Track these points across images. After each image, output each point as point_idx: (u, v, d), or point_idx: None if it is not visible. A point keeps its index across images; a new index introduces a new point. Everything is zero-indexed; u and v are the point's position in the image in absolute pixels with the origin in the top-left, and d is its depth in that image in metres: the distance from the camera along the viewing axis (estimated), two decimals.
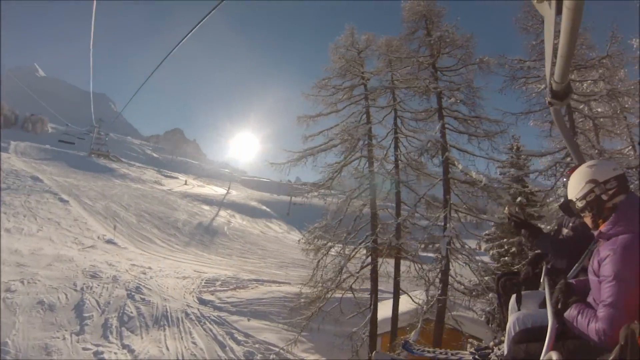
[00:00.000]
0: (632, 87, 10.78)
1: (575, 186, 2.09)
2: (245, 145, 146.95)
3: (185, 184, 58.75)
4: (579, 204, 2.08)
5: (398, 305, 13.14)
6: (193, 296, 16.26)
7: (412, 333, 11.46)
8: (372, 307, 12.82)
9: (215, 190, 57.95)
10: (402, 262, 13.64)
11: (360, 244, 13.71)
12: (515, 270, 4.48)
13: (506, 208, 3.51)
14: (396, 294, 13.19)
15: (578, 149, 3.66)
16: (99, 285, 15.34)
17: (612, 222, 1.96)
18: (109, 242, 24.39)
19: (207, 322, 13.84)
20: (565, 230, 3.36)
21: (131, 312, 13.56)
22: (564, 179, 3.69)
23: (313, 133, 15.09)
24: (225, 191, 57.00)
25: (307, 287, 13.80)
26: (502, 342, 3.74)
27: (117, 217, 30.51)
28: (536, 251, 3.47)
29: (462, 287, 12.29)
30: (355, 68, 14.71)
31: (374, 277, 13.11)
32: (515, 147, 14.51)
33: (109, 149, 45.38)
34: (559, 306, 2.03)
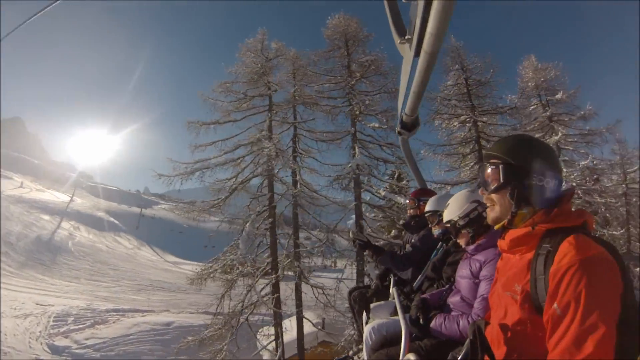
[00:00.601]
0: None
1: (459, 206, 2.41)
2: (95, 147, 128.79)
3: (21, 186, 50.14)
4: (461, 222, 2.38)
5: (302, 329, 12.48)
6: (42, 343, 12.41)
7: None
8: (279, 340, 11.90)
9: (56, 196, 50.54)
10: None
11: (261, 271, 12.52)
12: (366, 284, 4.84)
13: (350, 232, 3.93)
14: (299, 319, 12.44)
15: (420, 175, 4.39)
16: None
17: (491, 235, 2.25)
18: None
19: None
20: (407, 246, 3.70)
21: None
22: (406, 200, 4.32)
23: (205, 143, 13.51)
24: (69, 198, 49.82)
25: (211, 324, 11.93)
26: (360, 350, 4.14)
27: None
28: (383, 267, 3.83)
29: None
30: (264, 76, 13.69)
31: (277, 309, 12.08)
32: (397, 175, 15.62)
33: None
34: (421, 322, 2.21)
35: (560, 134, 13.57)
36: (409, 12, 1.66)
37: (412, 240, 3.65)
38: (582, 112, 14.09)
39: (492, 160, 1.48)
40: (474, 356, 1.30)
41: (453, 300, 2.36)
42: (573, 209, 1.44)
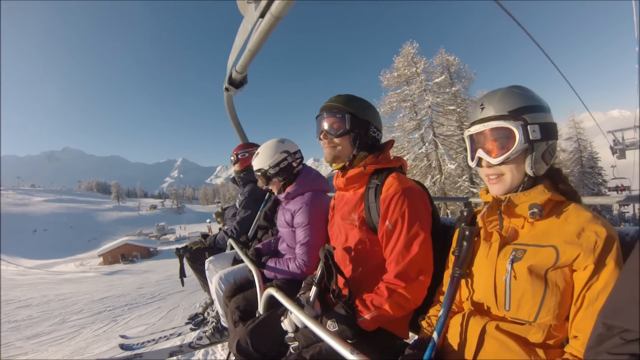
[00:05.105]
0: None
1: (269, 156, 2.51)
2: None
3: None
4: (272, 171, 2.51)
5: None
6: None
7: None
8: None
9: None
10: None
11: None
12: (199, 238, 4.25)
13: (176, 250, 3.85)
14: None
15: (242, 132, 4.37)
16: None
17: (298, 184, 2.48)
18: None
19: None
20: (237, 202, 3.89)
21: None
22: (231, 157, 3.90)
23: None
24: None
25: None
26: (209, 305, 4.15)
27: None
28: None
29: None
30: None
31: None
32: None
33: None
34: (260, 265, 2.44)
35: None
36: None
37: (240, 197, 3.75)
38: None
39: (338, 111, 1.77)
40: (329, 276, 1.57)
41: (282, 247, 2.64)
42: (392, 157, 1.83)
